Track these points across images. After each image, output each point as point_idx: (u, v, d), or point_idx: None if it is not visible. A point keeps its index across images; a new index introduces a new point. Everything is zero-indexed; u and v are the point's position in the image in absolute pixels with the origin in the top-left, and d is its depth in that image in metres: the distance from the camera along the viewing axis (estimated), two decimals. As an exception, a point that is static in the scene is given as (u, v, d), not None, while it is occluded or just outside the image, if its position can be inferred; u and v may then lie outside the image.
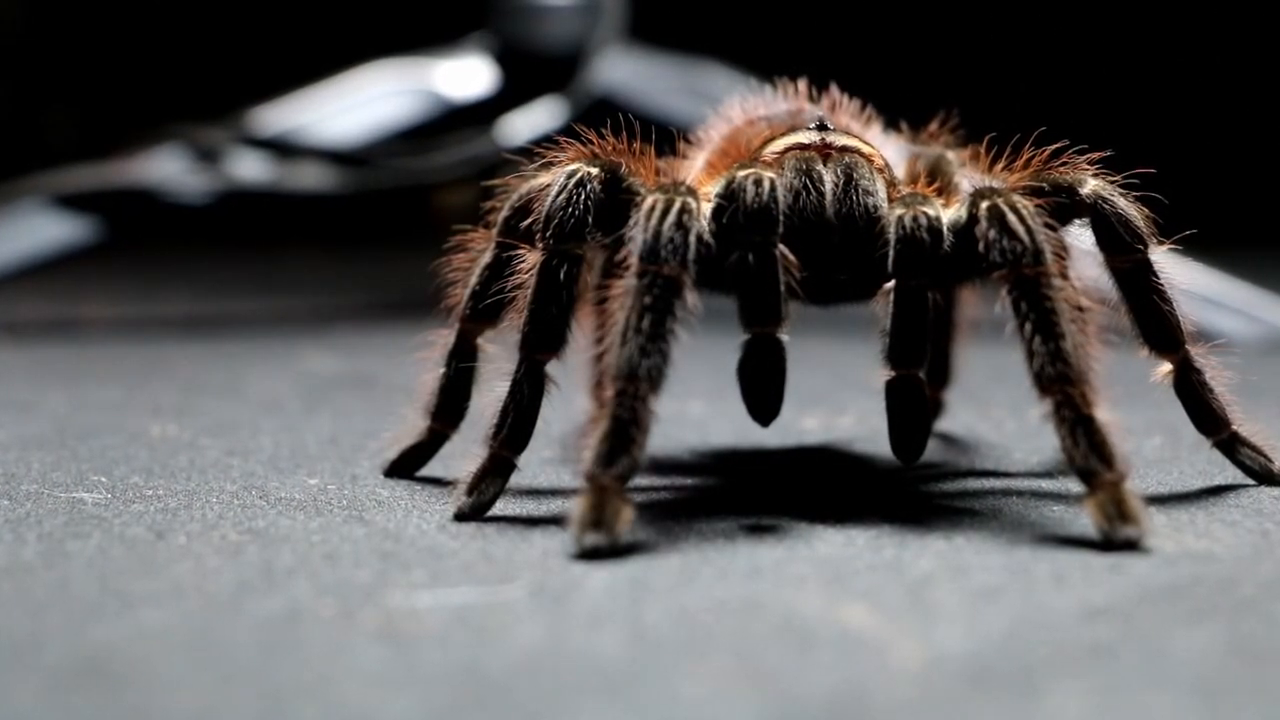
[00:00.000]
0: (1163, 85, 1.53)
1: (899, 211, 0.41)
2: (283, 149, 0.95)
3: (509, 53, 0.97)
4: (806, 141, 0.43)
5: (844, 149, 0.43)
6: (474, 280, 0.45)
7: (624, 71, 0.93)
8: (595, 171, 0.42)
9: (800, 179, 0.42)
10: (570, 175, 0.42)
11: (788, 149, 0.43)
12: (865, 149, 0.44)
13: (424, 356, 0.47)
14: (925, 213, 0.40)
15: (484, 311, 0.45)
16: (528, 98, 0.94)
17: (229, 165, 0.93)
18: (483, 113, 0.96)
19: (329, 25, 1.55)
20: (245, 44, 1.60)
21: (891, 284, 0.41)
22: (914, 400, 0.41)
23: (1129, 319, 0.43)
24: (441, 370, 0.46)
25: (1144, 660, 0.31)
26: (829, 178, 0.42)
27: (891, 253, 0.41)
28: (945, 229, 0.41)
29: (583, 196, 0.41)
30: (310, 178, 0.95)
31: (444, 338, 0.46)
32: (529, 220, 0.43)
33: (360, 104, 0.98)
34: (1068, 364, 0.39)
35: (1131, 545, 0.38)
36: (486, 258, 0.45)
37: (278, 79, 1.01)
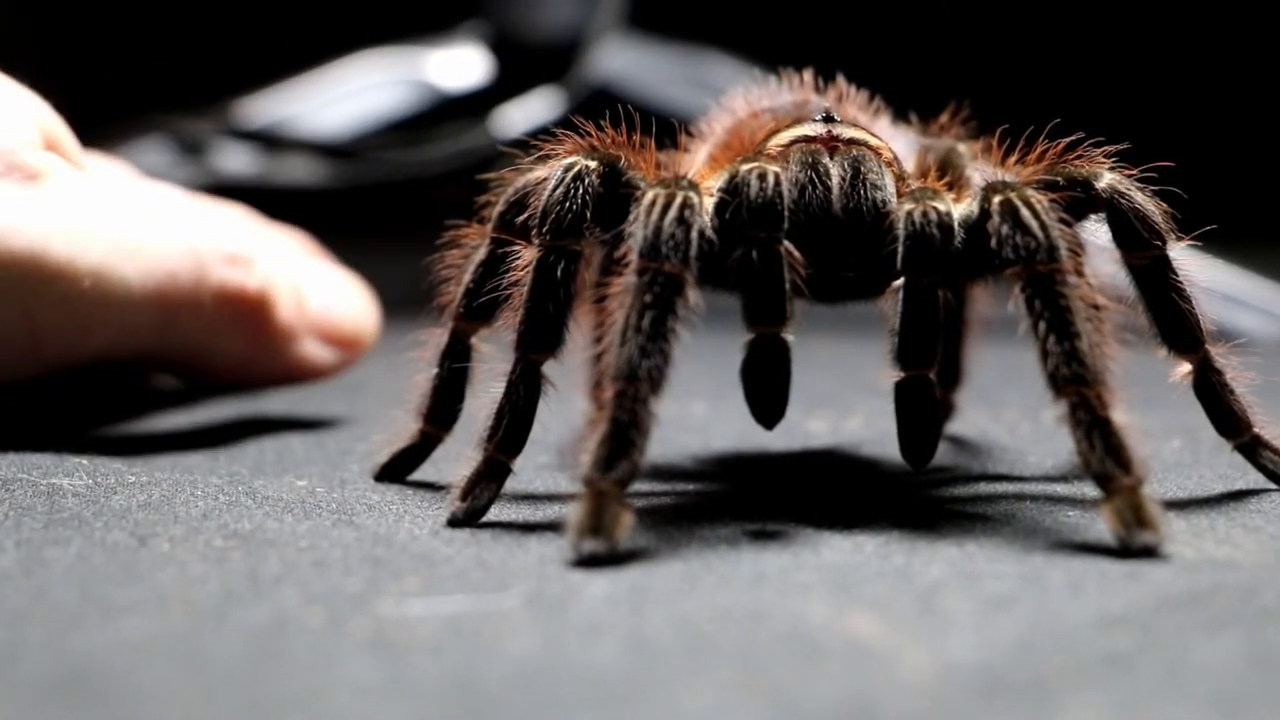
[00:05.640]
0: (1181, 77, 1.53)
1: (908, 207, 0.40)
2: (270, 141, 0.94)
3: (504, 42, 0.96)
4: (812, 134, 0.43)
5: (851, 141, 0.42)
6: (468, 278, 0.44)
7: (623, 61, 0.93)
8: (593, 165, 0.41)
9: (806, 173, 0.41)
10: (568, 169, 0.41)
11: (793, 141, 0.42)
12: (873, 141, 0.43)
13: (416, 357, 0.46)
14: (935, 208, 0.40)
15: (478, 310, 0.44)
16: (523, 88, 0.94)
17: (214, 158, 0.93)
18: (477, 104, 0.95)
19: (318, 14, 1.54)
20: (231, 32, 1.60)
21: (900, 282, 0.40)
22: (924, 402, 0.40)
23: (1147, 317, 0.43)
24: (434, 371, 0.45)
25: (1162, 671, 0.30)
26: (836, 171, 0.42)
27: (900, 249, 0.40)
28: (956, 225, 0.40)
29: (581, 191, 0.41)
30: (298, 171, 0.94)
31: (436, 337, 0.45)
32: (525, 215, 0.42)
33: (350, 95, 0.97)
34: (1083, 364, 0.38)
35: (1149, 552, 0.37)
36: (481, 254, 0.44)
37: (265, 69, 1.00)
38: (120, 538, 0.40)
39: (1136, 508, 0.37)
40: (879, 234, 0.41)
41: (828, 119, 0.43)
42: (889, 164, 0.42)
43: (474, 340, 0.45)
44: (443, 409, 0.46)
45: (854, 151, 0.42)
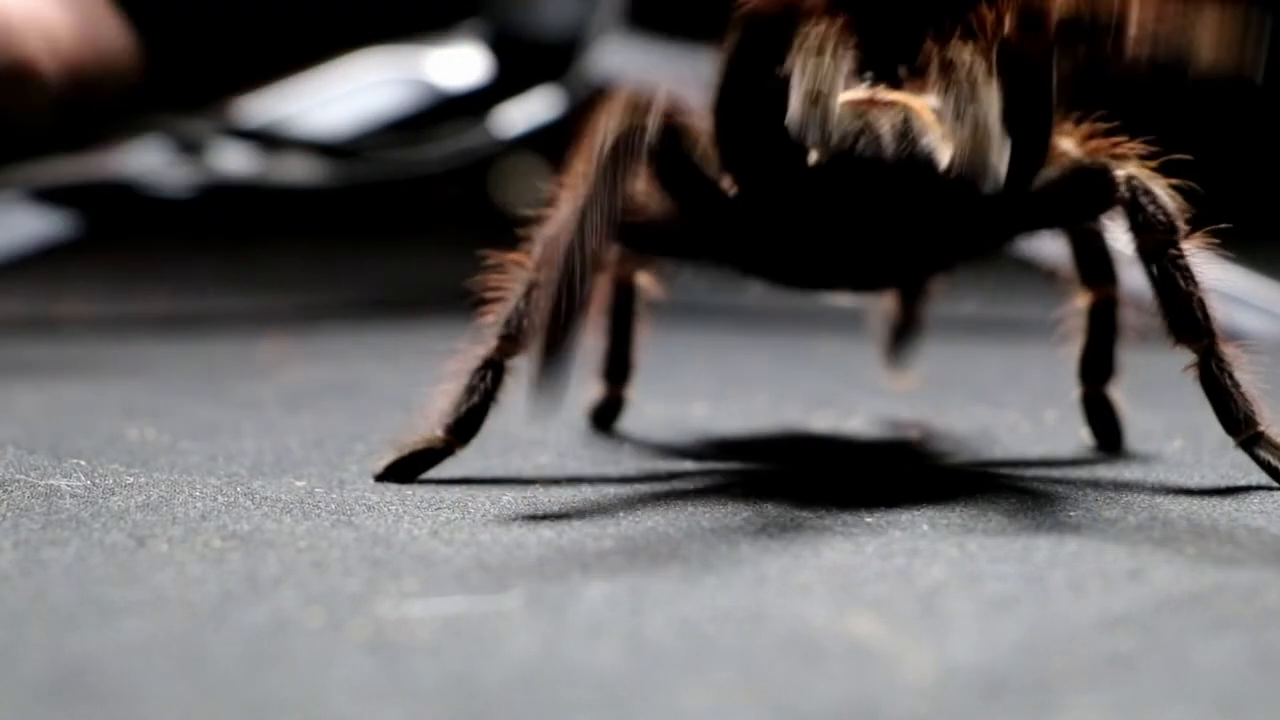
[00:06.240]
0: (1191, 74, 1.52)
1: None
2: (268, 140, 0.93)
3: (503, 40, 0.96)
4: (858, 98, 0.44)
5: (892, 103, 0.43)
6: (517, 300, 0.45)
7: (623, 59, 0.92)
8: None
9: (857, 122, 0.43)
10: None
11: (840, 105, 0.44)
12: (915, 103, 0.44)
13: (447, 366, 0.46)
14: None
15: (519, 335, 0.45)
16: (523, 87, 0.94)
17: (212, 157, 0.92)
18: (477, 103, 0.95)
19: (317, 12, 1.54)
20: (230, 31, 1.59)
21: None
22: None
23: (1155, 303, 0.43)
24: (465, 384, 0.46)
25: (1165, 672, 0.30)
26: (886, 122, 0.43)
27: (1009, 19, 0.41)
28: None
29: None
30: (297, 170, 0.94)
31: (473, 351, 0.46)
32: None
33: (349, 94, 0.97)
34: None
35: None
36: (525, 281, 0.45)
37: (263, 68, 1.00)
38: (118, 539, 0.39)
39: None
40: (931, 186, 0.42)
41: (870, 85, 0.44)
42: (935, 123, 0.43)
43: (509, 363, 0.45)
44: (467, 423, 0.46)
45: (900, 107, 0.43)
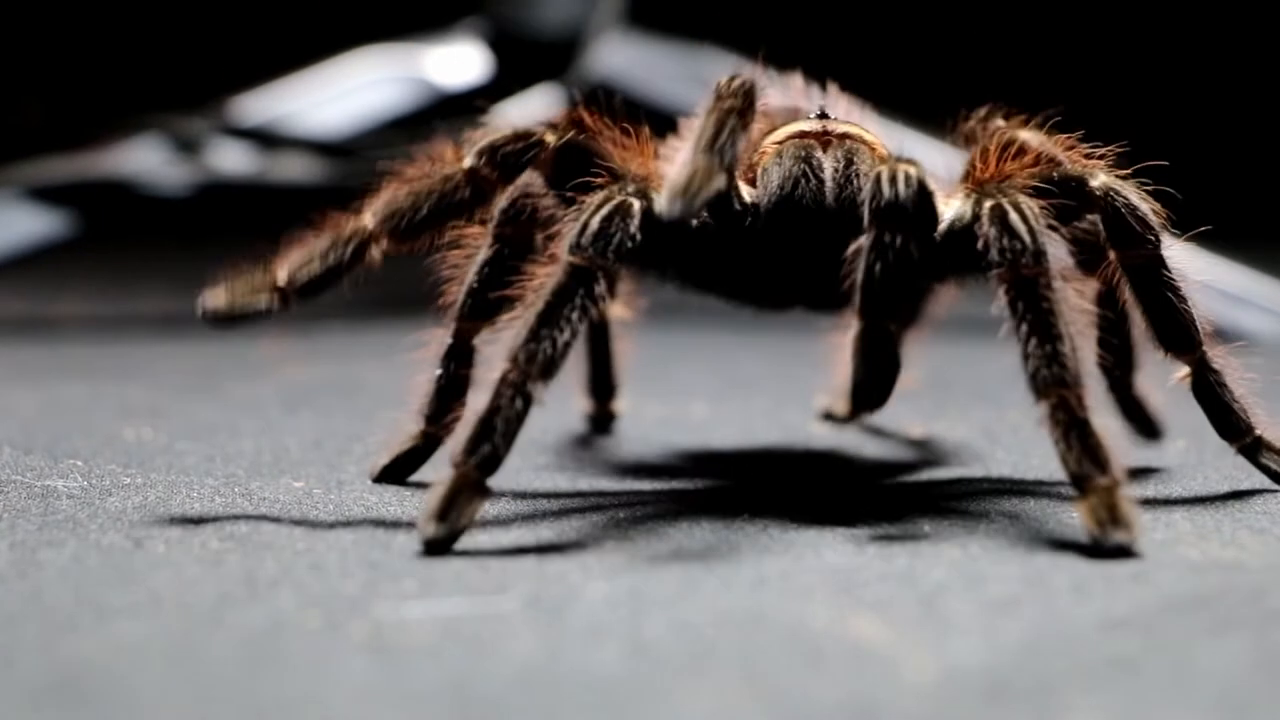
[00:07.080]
0: (1179, 72, 1.53)
1: (880, 169, 0.40)
2: (266, 139, 0.93)
3: (503, 38, 0.96)
4: (808, 129, 0.43)
5: (845, 136, 0.43)
6: (471, 278, 0.44)
7: (622, 58, 0.92)
8: (636, 204, 0.40)
9: (799, 166, 0.42)
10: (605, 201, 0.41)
11: (788, 138, 0.43)
12: (867, 137, 0.43)
13: (418, 357, 0.46)
14: (909, 171, 0.39)
15: (481, 310, 0.44)
16: (523, 85, 0.93)
17: (210, 156, 0.92)
18: (476, 101, 0.95)
19: (315, 9, 1.54)
20: (227, 29, 1.59)
21: (866, 235, 0.39)
22: (882, 349, 0.39)
23: (1143, 318, 0.43)
24: (436, 372, 0.45)
25: (1167, 674, 0.30)
26: (829, 164, 0.42)
27: (868, 206, 0.39)
28: (941, 212, 0.41)
29: (620, 221, 0.40)
30: (295, 169, 0.94)
31: (439, 337, 0.45)
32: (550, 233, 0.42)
33: (348, 92, 0.96)
34: (1064, 366, 0.38)
35: (1123, 551, 0.37)
36: (484, 254, 0.44)
37: (261, 66, 1.00)
38: (115, 540, 0.39)
39: (1112, 507, 0.37)
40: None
41: (822, 115, 0.44)
42: (882, 160, 0.42)
43: (476, 341, 0.45)
44: (444, 410, 0.45)
45: (847, 144, 0.43)
